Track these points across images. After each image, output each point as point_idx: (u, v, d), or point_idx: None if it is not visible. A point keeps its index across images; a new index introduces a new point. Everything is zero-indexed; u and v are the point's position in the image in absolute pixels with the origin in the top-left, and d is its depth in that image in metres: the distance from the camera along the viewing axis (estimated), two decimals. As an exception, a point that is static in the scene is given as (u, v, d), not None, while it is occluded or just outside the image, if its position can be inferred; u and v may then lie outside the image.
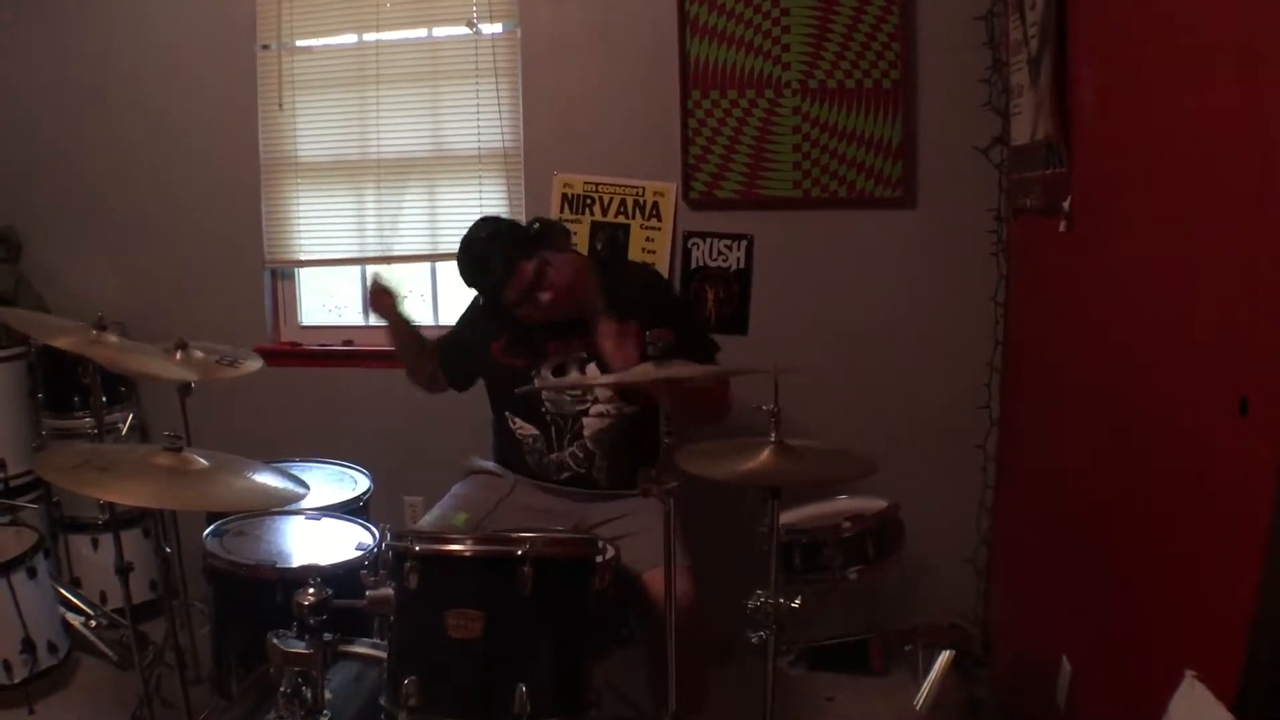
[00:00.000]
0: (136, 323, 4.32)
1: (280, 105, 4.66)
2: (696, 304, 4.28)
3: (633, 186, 4.32)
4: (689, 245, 4.31)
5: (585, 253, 4.25)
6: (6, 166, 4.96)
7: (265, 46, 4.65)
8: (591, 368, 3.35)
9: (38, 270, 4.99)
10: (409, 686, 2.32)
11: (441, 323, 4.78)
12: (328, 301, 5.14)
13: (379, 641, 2.62)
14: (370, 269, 4.79)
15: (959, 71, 3.98)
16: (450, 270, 4.73)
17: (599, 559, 2.51)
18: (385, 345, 4.75)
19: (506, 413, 3.52)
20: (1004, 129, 3.89)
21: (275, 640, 2.44)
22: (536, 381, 3.32)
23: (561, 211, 4.38)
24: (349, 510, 3.54)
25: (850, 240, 4.21)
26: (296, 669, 2.42)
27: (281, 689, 2.42)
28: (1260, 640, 1.83)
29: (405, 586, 2.39)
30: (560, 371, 3.39)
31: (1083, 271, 3.03)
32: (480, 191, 4.53)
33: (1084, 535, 2.99)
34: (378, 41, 4.56)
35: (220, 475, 2.47)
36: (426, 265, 4.82)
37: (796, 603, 2.62)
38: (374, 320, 4.84)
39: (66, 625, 4.06)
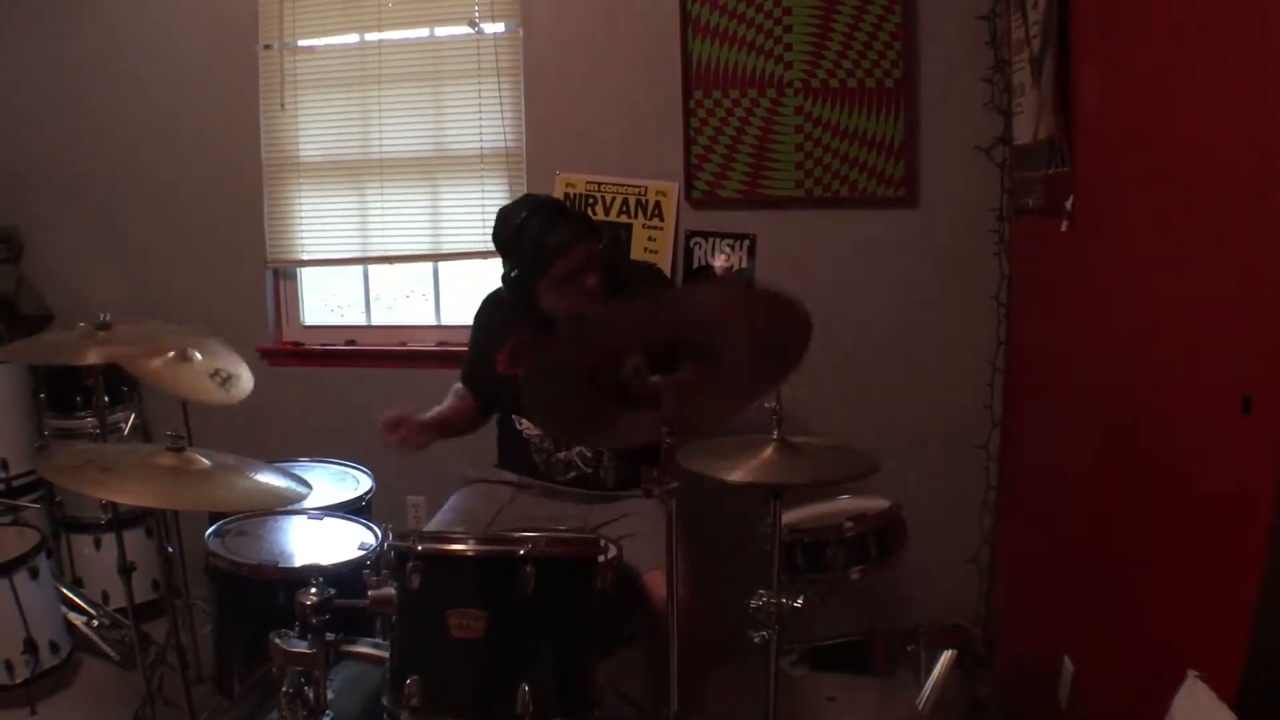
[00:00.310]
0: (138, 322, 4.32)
1: (282, 105, 4.66)
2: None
3: (635, 186, 4.32)
4: (691, 245, 4.31)
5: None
6: (8, 166, 4.96)
7: (267, 46, 4.65)
8: None
9: (39, 270, 4.99)
10: (411, 686, 2.33)
11: (443, 323, 4.78)
12: (330, 301, 5.15)
13: (381, 641, 2.62)
14: (371, 267, 4.82)
15: (961, 71, 3.98)
16: (452, 270, 4.76)
17: (601, 558, 2.51)
18: (387, 345, 4.79)
19: (513, 415, 3.51)
20: (1006, 128, 3.89)
21: (277, 640, 2.44)
22: None
23: (563, 211, 4.38)
24: (351, 510, 3.53)
25: (852, 240, 4.20)
26: (299, 669, 2.42)
27: (284, 689, 2.42)
28: (1262, 639, 1.82)
29: (407, 586, 2.39)
30: None
31: (1085, 271, 3.02)
32: (482, 191, 4.53)
33: (1086, 535, 2.98)
34: (380, 41, 4.56)
35: (222, 475, 2.48)
36: (428, 265, 4.81)
37: (799, 603, 2.62)
38: (377, 321, 4.87)
39: (69, 625, 4.07)
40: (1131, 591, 2.60)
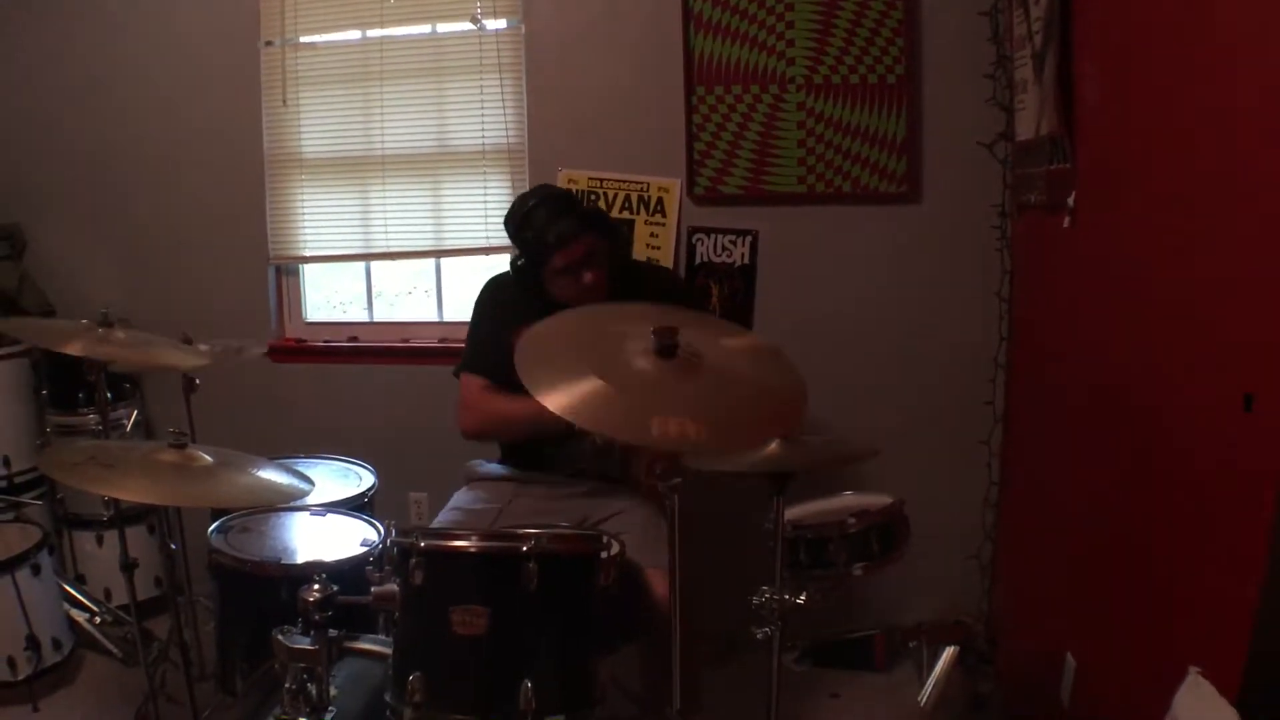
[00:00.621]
0: (141, 320, 4.31)
1: (284, 101, 4.66)
2: (704, 300, 4.28)
3: (637, 182, 4.32)
4: (693, 241, 4.31)
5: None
6: (11, 163, 4.97)
7: (269, 43, 4.65)
8: None
9: (42, 267, 4.99)
10: (414, 683, 2.33)
11: (446, 319, 4.78)
12: (332, 298, 5.15)
13: (384, 638, 2.62)
14: (373, 263, 4.82)
15: (963, 67, 3.98)
16: (455, 266, 4.76)
17: (604, 555, 2.51)
18: (389, 341, 4.79)
19: None
20: (1008, 124, 3.89)
21: (280, 637, 2.44)
22: None
23: (566, 207, 4.38)
24: (354, 506, 3.53)
25: (855, 236, 4.21)
26: (301, 665, 2.43)
27: (286, 685, 2.43)
28: (1264, 636, 1.82)
29: (410, 583, 2.39)
30: None
31: (1087, 267, 3.02)
32: (485, 187, 4.53)
33: (1088, 531, 2.98)
34: (382, 37, 4.56)
35: (225, 472, 2.48)
36: (431, 261, 4.81)
37: (801, 599, 2.62)
38: (379, 317, 4.87)
39: (71, 622, 4.08)
40: (1134, 588, 2.59)
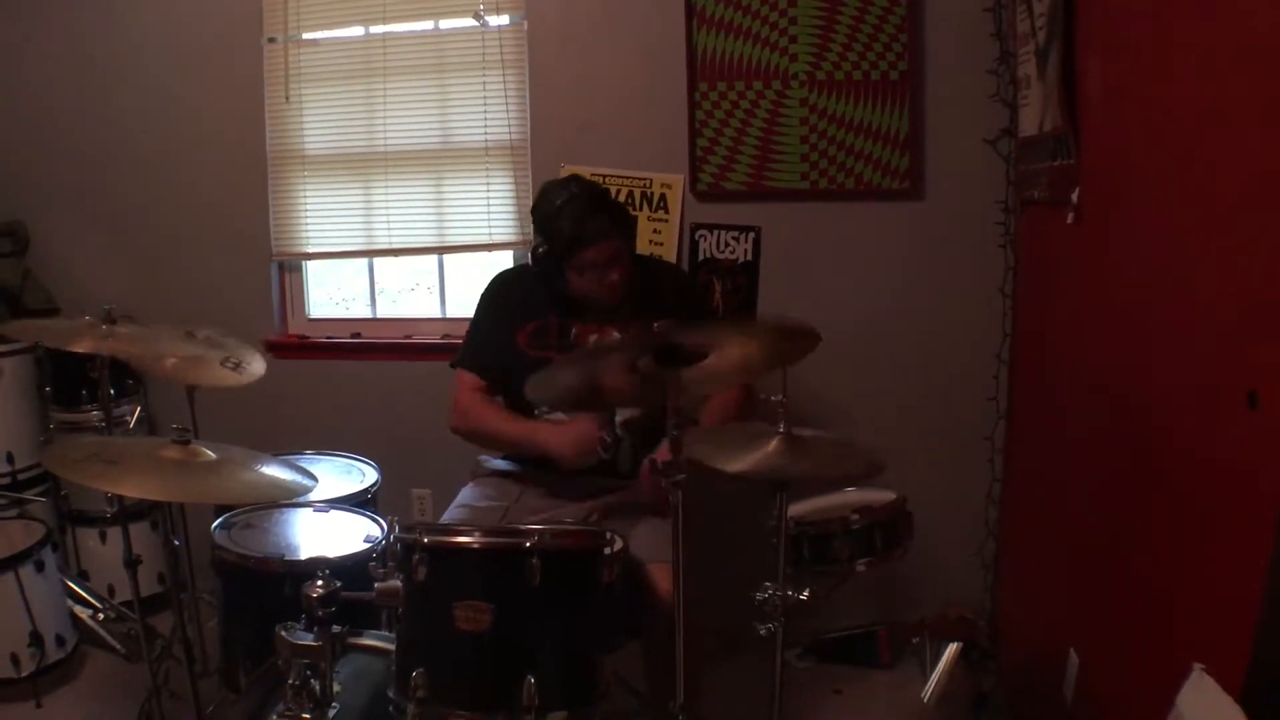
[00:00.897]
0: (144, 316, 4.31)
1: (287, 98, 4.66)
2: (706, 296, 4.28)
3: (640, 178, 4.32)
4: (696, 237, 4.31)
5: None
6: (14, 160, 4.97)
7: (272, 39, 4.65)
8: None
9: (45, 264, 4.99)
10: (417, 678, 2.33)
11: (449, 315, 4.78)
12: (335, 294, 5.15)
13: (387, 634, 2.62)
14: (376, 260, 4.83)
15: (966, 63, 3.98)
16: (457, 262, 4.76)
17: (607, 550, 2.51)
18: (392, 337, 4.79)
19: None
20: (1012, 121, 3.88)
21: (283, 633, 2.44)
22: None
23: (568, 204, 4.37)
24: (357, 502, 3.53)
25: (858, 232, 4.20)
26: (305, 661, 2.43)
27: (290, 681, 2.43)
28: (1268, 632, 1.82)
29: (413, 578, 2.39)
30: None
31: (1091, 263, 3.02)
32: (488, 184, 4.53)
33: (1091, 528, 2.98)
34: (384, 34, 4.56)
35: (228, 468, 2.48)
36: (433, 258, 4.81)
37: (804, 595, 2.62)
38: (382, 314, 4.87)
39: (74, 618, 4.08)
40: (1137, 585, 2.59)
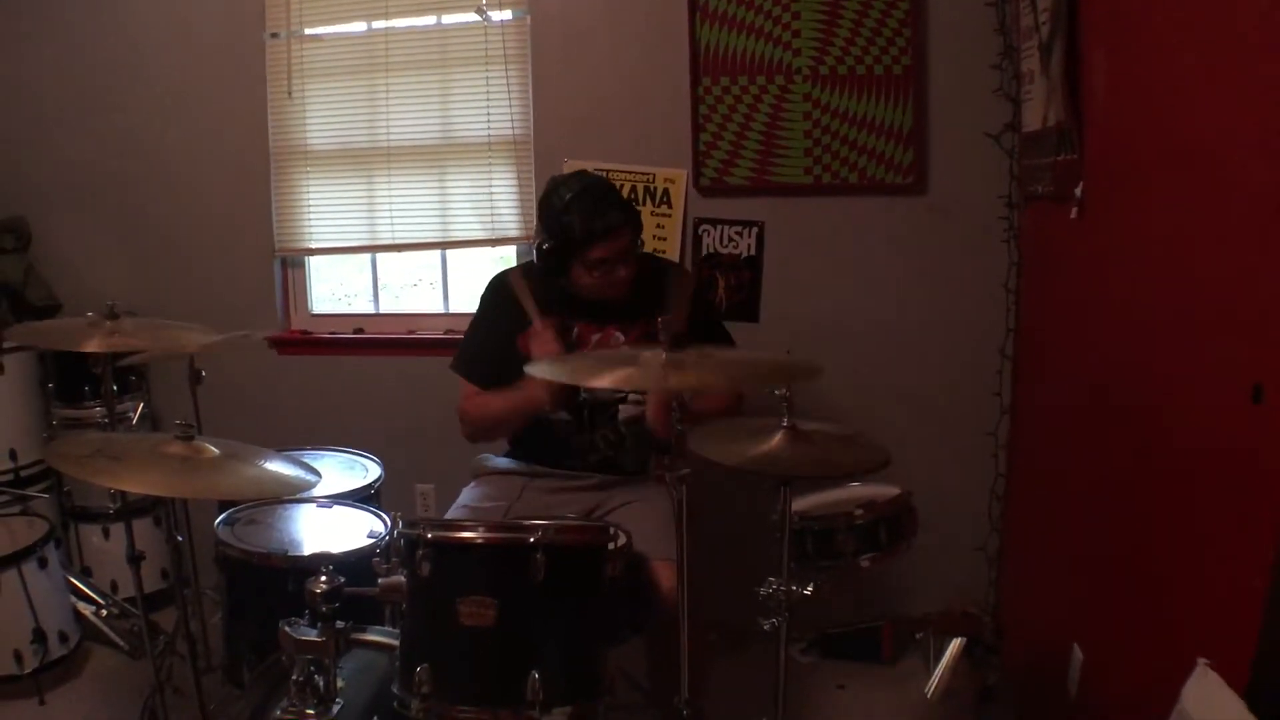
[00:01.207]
0: (147, 312, 4.30)
1: (289, 93, 4.66)
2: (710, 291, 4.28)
3: (643, 173, 4.31)
4: (699, 232, 4.31)
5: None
6: (16, 156, 4.97)
7: (274, 35, 4.65)
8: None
9: (47, 260, 4.99)
10: (421, 674, 2.32)
11: (452, 310, 4.78)
12: (338, 290, 5.15)
13: (391, 629, 2.62)
14: (379, 255, 4.83)
15: (970, 58, 3.97)
16: (460, 258, 4.75)
17: (611, 546, 2.51)
18: (395, 333, 4.79)
19: None
20: (1015, 115, 3.87)
21: (287, 628, 2.44)
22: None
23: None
24: (360, 498, 3.54)
25: (861, 227, 4.20)
26: (309, 657, 2.42)
27: (294, 677, 2.43)
28: (1273, 628, 1.82)
29: (417, 574, 2.38)
30: None
31: (1095, 258, 3.02)
32: (490, 179, 4.53)
33: (1095, 522, 2.98)
34: (387, 29, 4.56)
35: (231, 464, 2.47)
36: (436, 253, 4.81)
37: (809, 590, 2.62)
38: (385, 309, 4.87)
39: (77, 615, 4.08)
40: (1141, 579, 2.59)
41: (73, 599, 4.10)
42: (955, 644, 3.31)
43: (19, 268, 4.85)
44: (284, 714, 2.43)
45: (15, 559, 3.74)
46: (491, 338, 3.45)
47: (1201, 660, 2.00)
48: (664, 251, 4.30)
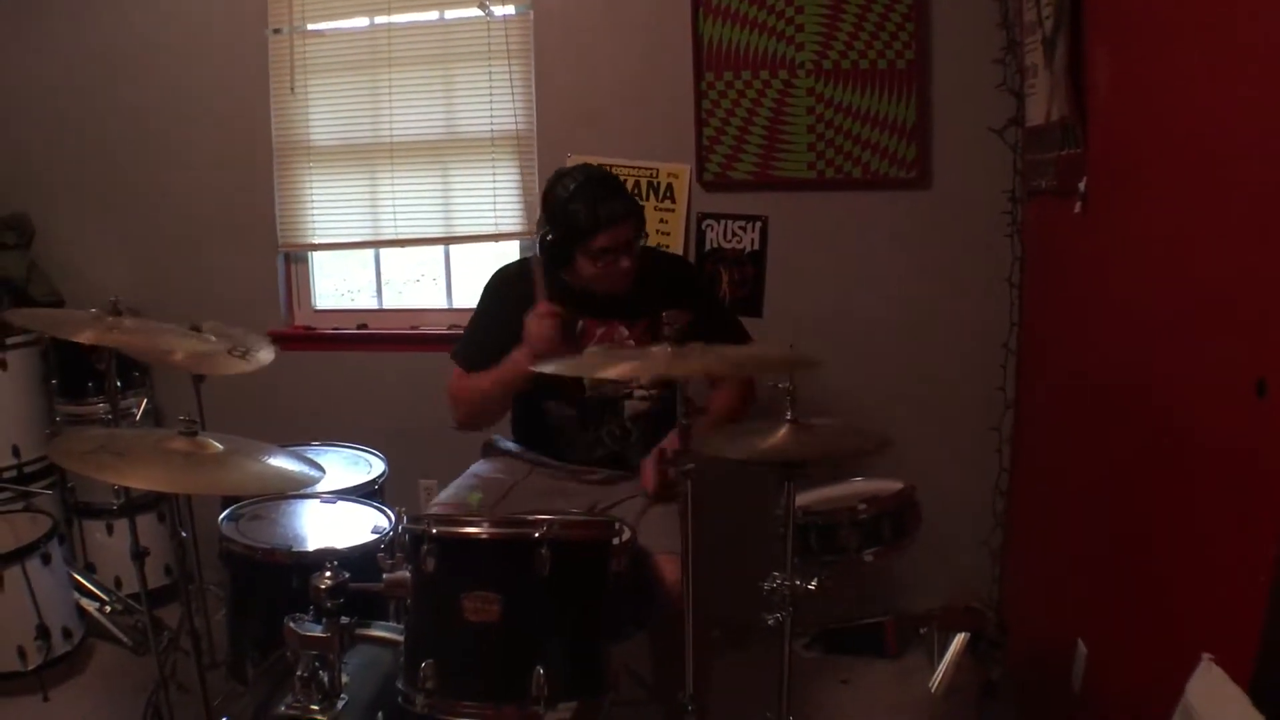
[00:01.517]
0: (150, 308, 4.31)
1: (292, 89, 4.65)
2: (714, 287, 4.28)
3: (647, 168, 4.31)
4: (703, 227, 4.31)
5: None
6: (19, 152, 4.97)
7: (277, 30, 4.65)
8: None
9: (50, 256, 5.00)
10: (426, 669, 2.33)
11: (455, 306, 4.78)
12: (341, 285, 5.15)
13: (396, 625, 2.62)
14: (382, 251, 4.83)
15: (973, 52, 3.97)
16: (463, 253, 4.75)
17: (616, 541, 2.51)
18: (398, 328, 4.79)
19: (539, 394, 3.45)
20: (1018, 110, 3.87)
21: (292, 624, 2.44)
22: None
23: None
24: (364, 493, 3.53)
25: (865, 221, 4.20)
26: (313, 653, 2.42)
27: (298, 673, 2.43)
28: (1277, 622, 1.82)
29: (422, 569, 2.39)
30: None
31: (1098, 253, 3.01)
32: (493, 174, 4.53)
33: (1099, 517, 2.98)
34: (389, 24, 4.56)
35: (235, 459, 2.47)
36: (439, 248, 4.81)
37: (812, 585, 2.62)
38: (388, 305, 4.86)
39: (81, 611, 4.08)
40: (1145, 575, 2.59)
41: (76, 595, 4.10)
42: (959, 639, 3.31)
43: (21, 264, 4.86)
44: (288, 710, 2.43)
45: (19, 555, 3.74)
46: (494, 329, 3.44)
47: (1206, 655, 1.99)
48: (668, 246, 4.29)
